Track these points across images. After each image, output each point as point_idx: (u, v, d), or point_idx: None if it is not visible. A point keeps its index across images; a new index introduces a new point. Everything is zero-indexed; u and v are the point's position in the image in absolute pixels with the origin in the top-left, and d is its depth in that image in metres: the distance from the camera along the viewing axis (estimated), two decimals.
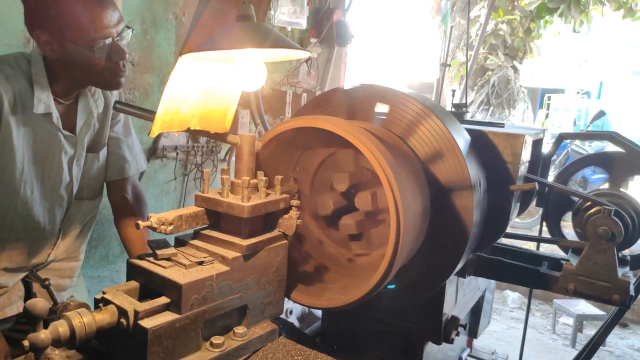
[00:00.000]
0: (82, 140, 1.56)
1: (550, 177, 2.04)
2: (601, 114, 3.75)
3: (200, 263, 1.08)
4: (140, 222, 1.06)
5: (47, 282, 1.57)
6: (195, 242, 1.17)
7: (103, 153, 1.66)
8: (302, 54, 1.04)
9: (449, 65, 4.00)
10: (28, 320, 0.88)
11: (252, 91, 1.23)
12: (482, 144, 1.48)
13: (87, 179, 1.63)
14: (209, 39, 0.90)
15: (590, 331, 4.85)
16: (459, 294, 1.69)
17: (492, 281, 2.13)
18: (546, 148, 1.85)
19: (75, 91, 1.52)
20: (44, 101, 1.42)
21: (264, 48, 0.92)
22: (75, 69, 1.42)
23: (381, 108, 1.38)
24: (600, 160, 1.82)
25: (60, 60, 1.41)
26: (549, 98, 15.61)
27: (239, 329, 1.12)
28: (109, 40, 1.39)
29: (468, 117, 2.21)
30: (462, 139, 1.36)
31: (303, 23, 3.64)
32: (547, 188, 1.74)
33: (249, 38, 0.91)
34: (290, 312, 3.42)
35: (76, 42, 1.36)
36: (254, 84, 1.01)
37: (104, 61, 1.41)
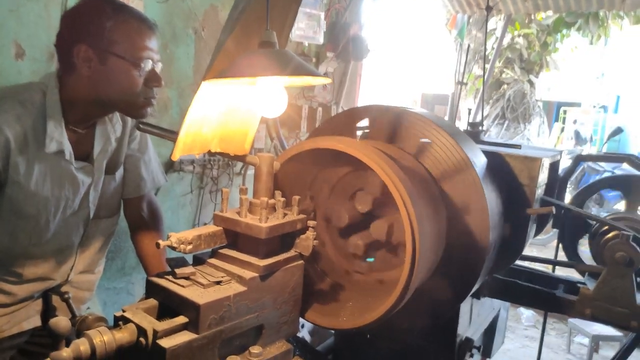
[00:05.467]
0: (99, 167, 1.57)
1: (567, 195, 2.03)
2: (618, 131, 3.74)
3: (218, 283, 1.09)
4: (160, 241, 1.08)
5: (66, 296, 1.60)
6: (213, 260, 1.19)
7: (119, 172, 1.67)
8: (322, 81, 1.05)
9: (465, 84, 3.99)
10: (50, 338, 0.90)
11: (273, 117, 1.25)
12: (498, 166, 1.48)
13: (104, 199, 1.64)
14: (232, 65, 0.93)
15: (606, 352, 4.76)
16: (473, 314, 1.68)
17: None
18: (563, 163, 1.84)
19: (93, 118, 1.51)
20: (56, 138, 1.42)
21: (285, 75, 0.94)
22: (110, 88, 1.41)
23: (398, 128, 1.39)
24: (617, 183, 1.80)
25: (93, 78, 1.41)
26: (565, 112, 15.47)
27: (255, 349, 1.13)
28: (150, 64, 1.43)
29: (484, 131, 2.21)
30: (478, 161, 1.37)
31: (320, 38, 3.68)
32: (563, 210, 1.73)
33: (271, 65, 0.93)
34: (302, 326, 3.41)
35: (125, 56, 1.38)
36: (275, 110, 1.03)
37: (141, 84, 1.43)
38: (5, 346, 1.62)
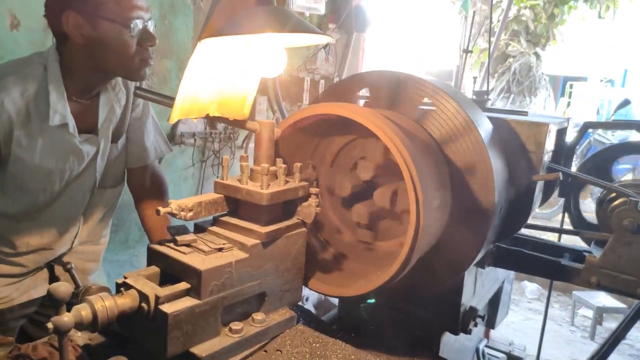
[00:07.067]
0: (105, 136, 1.56)
1: (573, 167, 1.99)
2: (626, 102, 3.68)
3: (220, 250, 1.08)
4: (160, 208, 1.06)
5: (69, 266, 1.60)
6: (215, 228, 1.17)
7: (122, 141, 1.66)
8: (323, 39, 1.02)
9: (470, 52, 3.90)
10: (51, 304, 0.89)
11: (272, 77, 1.22)
12: (504, 133, 1.45)
13: (108, 167, 1.64)
14: (229, 24, 0.89)
15: (610, 324, 4.78)
16: (477, 285, 1.67)
17: (512, 272, 2.11)
18: (570, 136, 1.81)
19: (95, 88, 1.50)
20: (60, 111, 1.41)
21: (285, 32, 0.91)
22: (105, 53, 1.39)
23: (401, 95, 1.36)
24: (626, 150, 1.77)
25: (87, 46, 1.39)
26: (571, 86, 15.25)
27: (258, 316, 1.13)
28: (141, 23, 1.39)
29: (489, 104, 2.17)
30: (484, 127, 1.34)
31: (321, 8, 3.60)
32: (570, 178, 1.71)
33: (269, 22, 0.90)
34: (307, 299, 3.44)
35: (113, 18, 1.35)
36: (274, 70, 1.00)
37: (135, 45, 1.40)
38: (17, 315, 1.65)
